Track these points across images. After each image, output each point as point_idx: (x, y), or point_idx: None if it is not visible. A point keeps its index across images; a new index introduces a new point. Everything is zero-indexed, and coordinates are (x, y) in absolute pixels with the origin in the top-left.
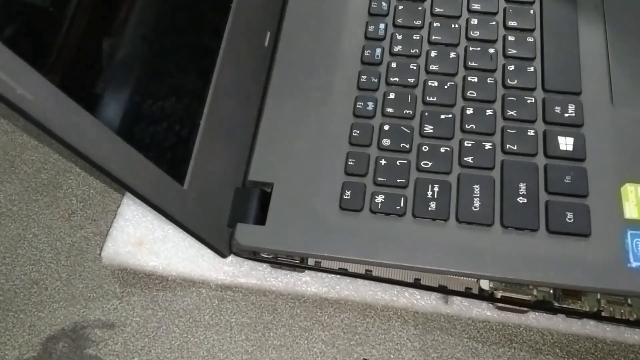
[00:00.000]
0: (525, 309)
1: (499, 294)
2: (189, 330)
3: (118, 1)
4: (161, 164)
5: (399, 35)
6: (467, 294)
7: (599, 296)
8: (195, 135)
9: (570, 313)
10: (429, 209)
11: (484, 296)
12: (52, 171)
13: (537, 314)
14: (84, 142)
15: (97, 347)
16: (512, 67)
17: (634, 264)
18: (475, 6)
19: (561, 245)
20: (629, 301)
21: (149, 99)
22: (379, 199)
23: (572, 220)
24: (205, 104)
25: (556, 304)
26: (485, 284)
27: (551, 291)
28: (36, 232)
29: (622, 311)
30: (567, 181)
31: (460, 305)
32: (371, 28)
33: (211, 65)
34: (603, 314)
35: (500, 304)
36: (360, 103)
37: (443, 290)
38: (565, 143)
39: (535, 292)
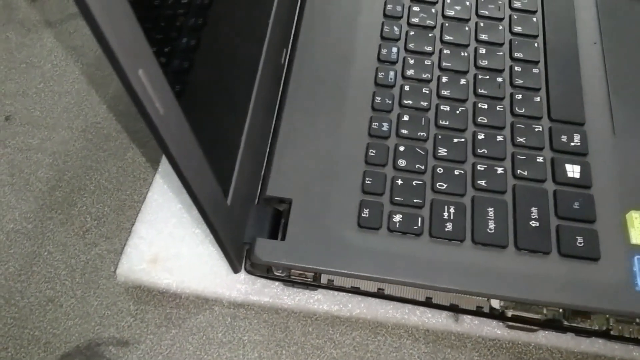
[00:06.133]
0: (535, 327)
1: (509, 313)
2: (202, 348)
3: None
4: (221, 182)
5: (411, 59)
6: (478, 312)
7: (607, 315)
8: (238, 153)
9: (580, 332)
10: (446, 229)
11: (494, 315)
12: (66, 189)
13: (546, 332)
14: (185, 160)
15: None
16: (519, 96)
17: None
18: (483, 37)
19: (572, 268)
20: (637, 320)
21: (222, 122)
22: (397, 218)
23: (582, 244)
24: (246, 121)
25: (565, 322)
26: (496, 303)
27: (561, 310)
28: (51, 250)
29: (630, 330)
30: (576, 207)
31: (470, 324)
32: (384, 51)
33: (253, 82)
34: (612, 332)
35: (510, 323)
36: (375, 123)
37: (454, 309)
38: (573, 170)
39: (545, 311)
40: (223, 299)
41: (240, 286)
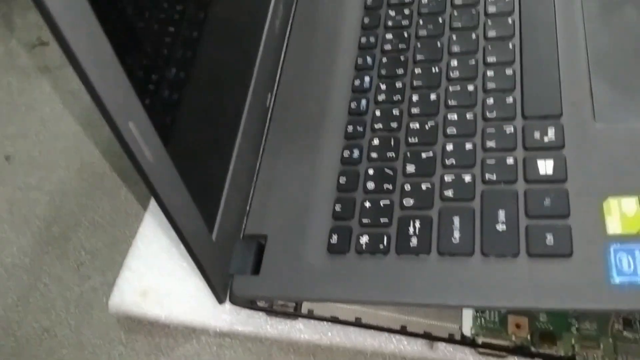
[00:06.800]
0: (504, 353)
1: (480, 340)
2: None
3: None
4: (206, 220)
5: (383, 85)
6: (450, 340)
7: (573, 341)
8: (223, 192)
9: (546, 357)
10: (411, 244)
11: (466, 342)
12: (62, 225)
13: (516, 358)
14: (172, 202)
15: None
16: (490, 101)
17: (617, 280)
18: (455, 49)
19: (543, 268)
20: (602, 345)
21: (209, 165)
22: (364, 239)
23: (552, 241)
24: (231, 163)
25: (533, 348)
26: (467, 330)
27: (528, 337)
28: (47, 283)
29: (594, 355)
30: (547, 204)
31: (444, 351)
32: (357, 82)
33: (238, 127)
34: (577, 358)
35: (481, 349)
36: (347, 151)
37: (428, 336)
38: (545, 166)
39: (513, 338)
40: (209, 328)
41: (226, 316)
